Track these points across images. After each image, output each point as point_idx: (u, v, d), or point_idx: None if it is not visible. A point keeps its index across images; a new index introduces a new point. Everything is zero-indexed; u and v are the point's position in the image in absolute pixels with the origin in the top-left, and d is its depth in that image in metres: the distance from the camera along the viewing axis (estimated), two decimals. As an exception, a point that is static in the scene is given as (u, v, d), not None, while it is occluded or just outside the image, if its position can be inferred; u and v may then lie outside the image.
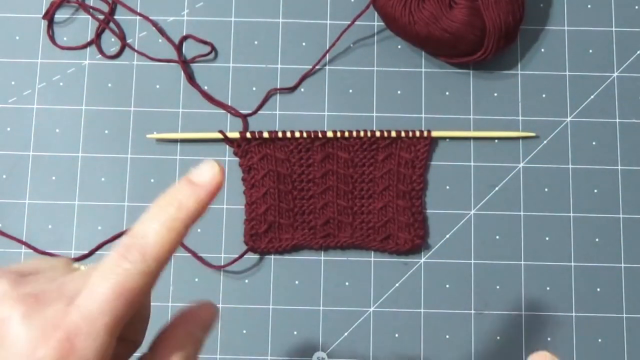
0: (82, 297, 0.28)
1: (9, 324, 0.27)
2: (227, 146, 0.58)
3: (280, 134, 0.57)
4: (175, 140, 0.58)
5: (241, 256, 0.56)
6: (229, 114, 0.59)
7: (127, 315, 0.28)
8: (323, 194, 0.57)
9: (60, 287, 0.29)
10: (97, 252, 0.57)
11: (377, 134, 0.57)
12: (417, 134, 0.57)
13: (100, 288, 0.28)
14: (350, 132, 0.57)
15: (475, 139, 0.58)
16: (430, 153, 0.58)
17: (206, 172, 0.32)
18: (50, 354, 0.27)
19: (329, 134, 0.57)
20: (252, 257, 0.57)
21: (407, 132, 0.57)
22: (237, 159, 0.57)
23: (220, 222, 0.57)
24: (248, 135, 0.57)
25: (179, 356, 0.30)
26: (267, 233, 0.56)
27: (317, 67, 0.59)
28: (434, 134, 0.57)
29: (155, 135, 0.58)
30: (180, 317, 0.32)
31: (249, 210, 0.56)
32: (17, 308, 0.28)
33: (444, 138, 0.58)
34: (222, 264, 0.56)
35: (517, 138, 0.58)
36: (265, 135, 0.57)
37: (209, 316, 0.33)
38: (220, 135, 0.57)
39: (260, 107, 0.59)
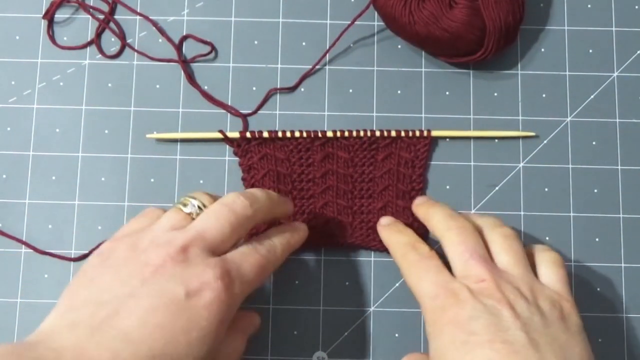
0: (241, 267, 0.44)
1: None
2: (227, 146, 0.58)
3: (280, 134, 0.57)
4: (175, 140, 0.58)
5: None
6: (229, 114, 0.59)
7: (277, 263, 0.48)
8: (323, 193, 0.57)
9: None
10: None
11: (377, 133, 0.57)
12: (417, 133, 0.57)
13: (250, 260, 0.45)
14: (350, 131, 0.57)
15: (476, 138, 0.58)
16: (430, 153, 0.58)
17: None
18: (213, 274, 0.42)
19: (329, 134, 0.57)
20: (252, 257, 0.57)
21: (407, 131, 0.57)
22: (237, 158, 0.57)
23: (220, 222, 0.57)
24: (248, 135, 0.57)
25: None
26: None
27: (317, 67, 0.59)
28: (434, 133, 0.57)
29: (155, 135, 0.58)
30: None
31: None
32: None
33: (444, 138, 0.58)
34: (222, 263, 0.56)
35: (517, 137, 0.58)
36: (265, 135, 0.57)
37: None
38: (220, 135, 0.57)
39: (260, 107, 0.59)
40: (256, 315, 0.52)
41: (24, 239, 0.57)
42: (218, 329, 0.41)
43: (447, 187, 0.58)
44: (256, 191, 0.48)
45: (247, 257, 0.45)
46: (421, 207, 0.53)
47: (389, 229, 0.53)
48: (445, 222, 0.49)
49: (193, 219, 0.45)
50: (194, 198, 0.47)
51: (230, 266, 0.43)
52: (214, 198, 0.48)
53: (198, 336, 0.40)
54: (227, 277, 0.42)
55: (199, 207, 0.46)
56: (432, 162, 0.58)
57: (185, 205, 0.46)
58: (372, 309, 0.56)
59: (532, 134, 0.58)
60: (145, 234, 0.44)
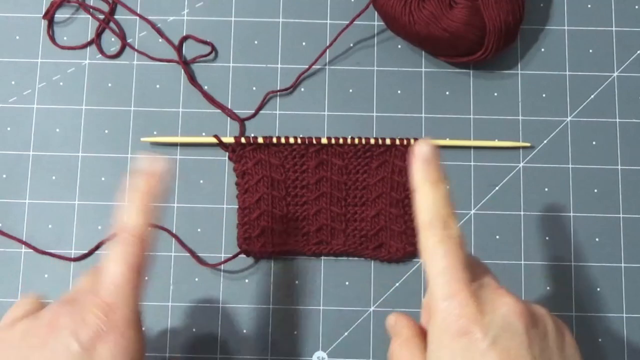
0: (103, 281, 0.40)
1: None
2: (227, 146, 0.58)
3: (275, 140, 0.57)
4: (170, 145, 0.58)
5: (234, 256, 0.56)
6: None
7: (140, 280, 0.40)
8: (316, 200, 0.57)
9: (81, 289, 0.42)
10: (97, 252, 0.57)
11: (372, 141, 0.57)
12: (412, 142, 0.57)
13: (111, 270, 0.40)
14: (345, 139, 0.57)
15: (472, 143, 0.58)
16: (430, 153, 0.58)
17: (147, 166, 0.42)
18: (94, 325, 0.38)
19: (324, 141, 0.57)
20: (251, 257, 0.57)
21: (401, 140, 0.57)
22: (237, 159, 0.58)
23: (220, 222, 0.57)
24: (242, 140, 0.57)
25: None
26: (260, 238, 0.56)
27: (317, 67, 0.59)
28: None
29: (150, 139, 0.58)
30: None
31: (241, 215, 0.56)
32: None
33: (442, 140, 0.58)
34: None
35: (511, 148, 0.58)
36: (260, 140, 0.57)
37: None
38: (215, 140, 0.57)
39: (258, 110, 0.59)
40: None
41: (24, 239, 0.57)
42: None
43: (447, 187, 0.58)
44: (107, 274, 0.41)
45: (115, 275, 0.40)
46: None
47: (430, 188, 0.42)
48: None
49: None
50: None
51: (107, 297, 0.40)
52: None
53: None
54: (112, 309, 0.39)
55: None
56: (432, 162, 0.58)
57: None
58: (372, 309, 0.56)
59: (527, 144, 0.58)
60: None
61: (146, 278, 0.41)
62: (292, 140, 0.57)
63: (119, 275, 0.39)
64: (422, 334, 0.40)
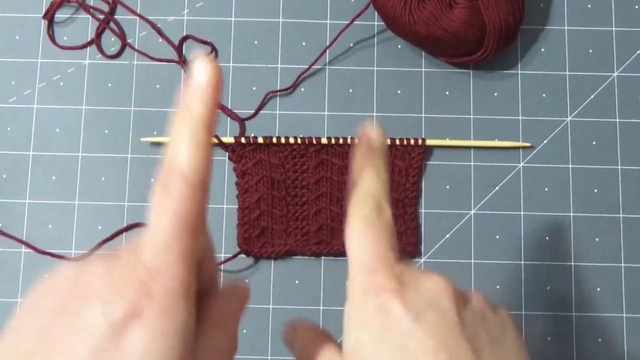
0: (145, 240, 0.28)
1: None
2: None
3: (275, 140, 0.57)
4: (175, 140, 0.58)
5: (234, 256, 0.56)
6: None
7: (193, 243, 0.29)
8: (316, 200, 0.57)
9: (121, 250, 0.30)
10: (97, 252, 0.57)
11: None
12: (412, 142, 0.57)
13: (159, 225, 0.28)
14: (345, 139, 0.57)
15: (472, 143, 0.58)
16: (427, 157, 0.58)
17: (201, 74, 0.32)
18: (131, 298, 0.27)
19: (324, 141, 0.57)
20: (251, 257, 0.57)
21: (401, 140, 0.57)
22: (237, 158, 0.58)
23: (220, 222, 0.57)
24: (242, 140, 0.57)
25: (222, 329, 0.33)
26: (260, 238, 0.56)
27: (317, 67, 0.59)
28: (429, 142, 0.57)
29: (150, 139, 0.58)
30: (220, 294, 0.33)
31: (241, 215, 0.56)
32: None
33: (442, 139, 0.58)
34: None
35: (511, 148, 0.58)
36: (260, 140, 0.57)
37: (244, 293, 0.35)
38: (214, 140, 0.57)
39: (258, 110, 0.59)
40: (242, 290, 0.36)
41: (24, 239, 0.57)
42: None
43: (447, 187, 0.58)
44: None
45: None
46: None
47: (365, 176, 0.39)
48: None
49: None
50: None
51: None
52: None
53: None
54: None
55: None
56: (432, 162, 0.58)
57: None
58: (372, 309, 0.56)
59: (527, 144, 0.58)
60: None
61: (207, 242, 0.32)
62: (292, 140, 0.57)
63: (167, 233, 0.29)
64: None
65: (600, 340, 0.56)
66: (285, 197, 0.57)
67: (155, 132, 0.58)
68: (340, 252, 0.56)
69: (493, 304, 0.35)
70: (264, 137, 0.57)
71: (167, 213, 0.29)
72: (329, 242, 0.56)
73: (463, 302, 0.32)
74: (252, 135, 0.58)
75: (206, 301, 0.32)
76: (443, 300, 0.31)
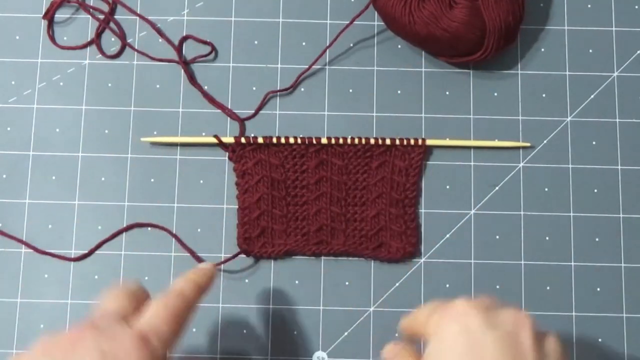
0: (149, 315, 0.43)
1: None
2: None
3: (275, 140, 0.57)
4: (170, 146, 0.58)
5: (234, 256, 0.56)
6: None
7: (180, 331, 0.44)
8: (316, 200, 0.57)
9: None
10: (97, 252, 0.57)
11: (372, 141, 0.57)
12: (412, 142, 0.57)
13: (160, 311, 0.43)
14: (345, 139, 0.57)
15: (472, 143, 0.58)
16: (427, 157, 0.58)
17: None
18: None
19: (324, 141, 0.57)
20: (251, 257, 0.57)
21: (401, 140, 0.57)
22: (237, 159, 0.58)
23: (220, 222, 0.57)
24: (242, 140, 0.57)
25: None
26: (260, 238, 0.56)
27: (317, 67, 0.59)
28: (429, 142, 0.57)
29: (150, 139, 0.58)
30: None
31: (241, 214, 0.56)
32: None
33: (442, 139, 0.58)
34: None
35: (511, 148, 0.58)
36: (260, 140, 0.57)
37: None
38: (215, 140, 0.57)
39: (258, 110, 0.59)
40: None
41: (24, 239, 0.57)
42: None
43: (447, 187, 0.58)
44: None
45: (158, 314, 0.44)
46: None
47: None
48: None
49: None
50: None
51: (144, 328, 0.42)
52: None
53: None
54: (145, 341, 0.41)
55: None
56: (432, 162, 0.58)
57: None
58: (372, 309, 0.56)
59: (527, 144, 0.58)
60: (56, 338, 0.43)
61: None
62: (292, 140, 0.57)
63: (164, 318, 0.43)
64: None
65: (600, 340, 0.56)
66: (285, 197, 0.57)
67: (155, 132, 0.58)
68: (340, 252, 0.56)
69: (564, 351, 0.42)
70: (264, 137, 0.57)
71: (168, 306, 0.44)
72: (329, 242, 0.56)
73: (539, 339, 0.41)
74: (252, 135, 0.58)
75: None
76: (522, 331, 0.40)
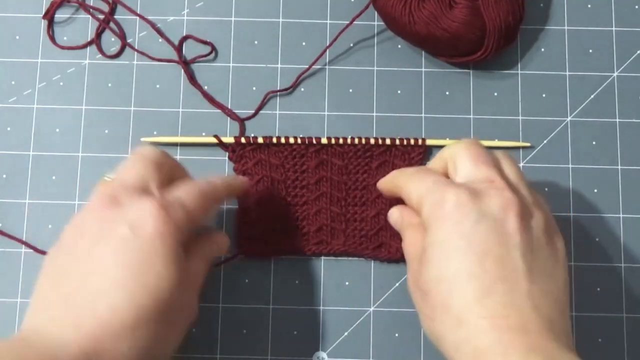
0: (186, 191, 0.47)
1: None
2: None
3: (275, 140, 0.56)
4: (171, 145, 0.58)
5: (234, 256, 0.56)
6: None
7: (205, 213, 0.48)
8: (316, 200, 0.57)
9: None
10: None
11: (372, 141, 0.57)
12: (412, 142, 0.57)
13: (188, 189, 0.47)
14: (345, 139, 0.57)
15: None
16: (427, 156, 0.58)
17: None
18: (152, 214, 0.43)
19: (324, 141, 0.57)
20: (251, 257, 0.57)
21: (401, 139, 0.57)
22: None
23: (220, 222, 0.57)
24: (243, 140, 0.57)
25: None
26: (260, 238, 0.56)
27: (317, 67, 0.59)
28: (429, 142, 0.57)
29: (150, 139, 0.58)
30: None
31: (241, 215, 0.56)
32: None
33: (442, 140, 0.58)
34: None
35: (511, 148, 0.58)
36: (260, 140, 0.57)
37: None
38: (215, 140, 0.57)
39: (258, 110, 0.59)
40: (221, 236, 0.52)
41: (24, 239, 0.57)
42: (175, 253, 0.44)
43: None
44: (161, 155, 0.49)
45: (185, 188, 0.47)
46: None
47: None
48: (450, 148, 0.48)
49: None
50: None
51: (167, 197, 0.45)
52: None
53: (161, 263, 0.42)
54: (165, 205, 0.44)
55: None
56: (432, 162, 0.58)
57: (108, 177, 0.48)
58: (372, 309, 0.56)
59: (527, 144, 0.58)
60: (83, 213, 0.46)
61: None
62: (292, 141, 0.57)
63: (192, 194, 0.46)
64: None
65: (600, 340, 0.56)
66: (285, 197, 0.57)
67: (155, 132, 0.58)
68: (340, 252, 0.56)
69: (553, 228, 0.45)
70: (264, 137, 0.57)
71: (199, 189, 0.47)
72: (329, 242, 0.56)
73: (526, 218, 0.43)
74: (252, 135, 0.58)
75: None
76: (507, 216, 0.42)
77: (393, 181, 0.50)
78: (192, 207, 0.46)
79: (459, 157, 0.46)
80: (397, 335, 0.56)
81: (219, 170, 0.58)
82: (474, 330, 0.40)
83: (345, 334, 0.56)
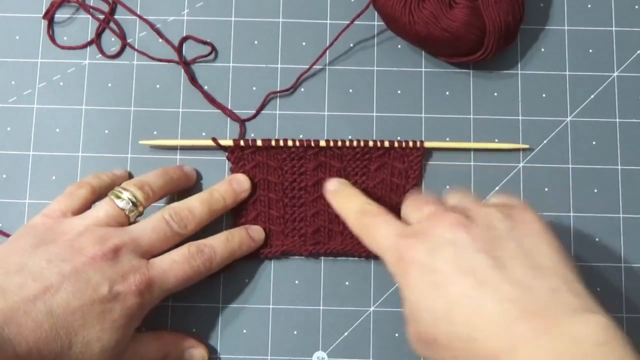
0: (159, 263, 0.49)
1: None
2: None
3: (273, 142, 0.56)
4: (170, 147, 0.58)
5: None
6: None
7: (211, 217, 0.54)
8: (314, 202, 0.57)
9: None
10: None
11: (371, 143, 0.56)
12: (410, 144, 0.56)
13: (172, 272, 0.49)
14: (344, 141, 0.57)
15: (471, 145, 0.58)
16: (427, 157, 0.58)
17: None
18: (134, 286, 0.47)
19: (322, 143, 0.56)
20: (250, 257, 0.57)
21: (400, 142, 0.57)
22: (236, 159, 0.58)
23: (220, 222, 0.57)
24: (241, 143, 0.57)
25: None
26: None
27: (317, 67, 0.59)
28: (427, 144, 0.57)
29: (148, 142, 0.58)
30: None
31: (239, 216, 0.56)
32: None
33: (442, 140, 0.58)
34: (222, 264, 0.56)
35: (510, 150, 0.58)
36: (259, 143, 0.56)
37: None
38: (213, 143, 0.57)
39: (259, 111, 0.59)
40: (197, 347, 0.54)
41: (24, 239, 0.57)
42: (128, 324, 0.47)
43: (447, 187, 0.58)
44: (196, 205, 0.53)
45: (176, 267, 0.49)
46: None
47: (338, 196, 0.53)
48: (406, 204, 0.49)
49: (127, 215, 0.51)
50: (126, 190, 0.51)
51: (155, 274, 0.48)
52: (142, 188, 0.52)
53: (110, 326, 0.46)
54: (148, 285, 0.47)
55: (132, 203, 0.51)
56: (432, 163, 0.58)
57: (119, 197, 0.51)
58: (372, 309, 0.56)
59: (526, 146, 0.58)
60: (81, 221, 0.49)
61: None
62: (290, 143, 0.57)
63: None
64: None
65: (600, 340, 0.55)
66: (282, 199, 0.57)
67: (155, 133, 0.58)
68: (337, 251, 0.56)
69: (503, 208, 0.45)
70: (263, 140, 0.57)
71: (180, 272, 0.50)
72: (326, 243, 0.56)
73: (469, 223, 0.43)
74: (252, 135, 0.58)
75: None
76: (450, 231, 0.42)
77: (359, 223, 0.51)
78: (171, 290, 0.50)
79: (405, 209, 0.48)
80: (397, 335, 0.56)
81: (218, 171, 0.58)
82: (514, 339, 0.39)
83: (345, 334, 0.56)
